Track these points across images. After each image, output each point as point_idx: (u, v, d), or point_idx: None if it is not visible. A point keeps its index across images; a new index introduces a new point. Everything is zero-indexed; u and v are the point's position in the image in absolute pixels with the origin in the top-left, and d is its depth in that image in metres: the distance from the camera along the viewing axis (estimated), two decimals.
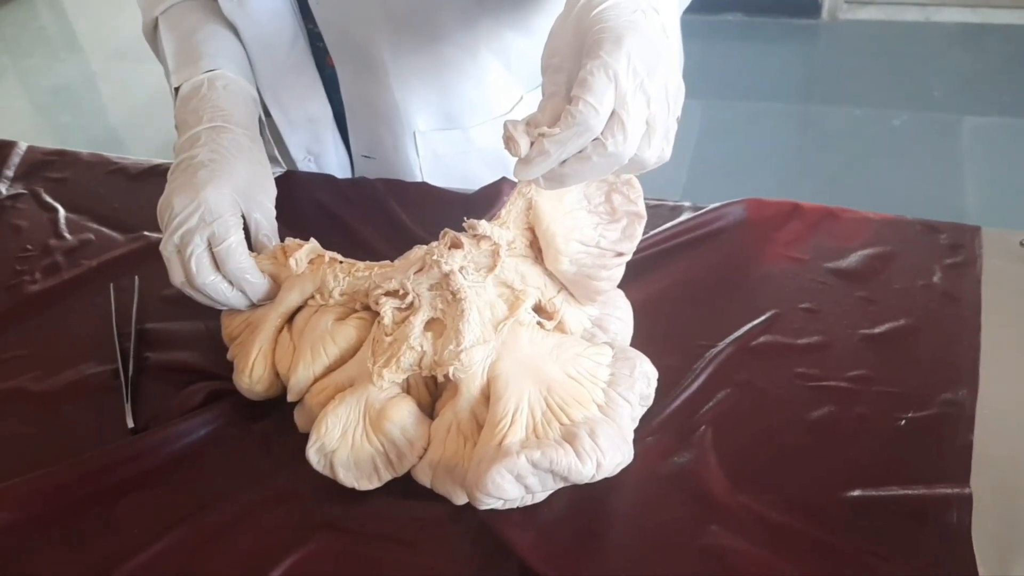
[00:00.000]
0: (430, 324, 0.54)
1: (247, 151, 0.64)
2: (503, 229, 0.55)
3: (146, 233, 0.78)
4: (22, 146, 0.92)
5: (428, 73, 0.79)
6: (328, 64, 0.80)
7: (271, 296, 0.61)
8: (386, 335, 0.54)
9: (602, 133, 0.44)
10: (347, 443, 0.52)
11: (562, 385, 0.51)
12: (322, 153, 0.86)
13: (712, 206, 0.71)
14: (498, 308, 0.54)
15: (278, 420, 0.59)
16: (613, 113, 0.44)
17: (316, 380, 0.56)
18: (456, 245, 0.55)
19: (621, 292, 0.60)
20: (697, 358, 0.59)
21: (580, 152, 0.45)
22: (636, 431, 0.53)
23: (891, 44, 2.60)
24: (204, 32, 0.73)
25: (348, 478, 0.52)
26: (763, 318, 0.62)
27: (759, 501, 0.50)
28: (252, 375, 0.58)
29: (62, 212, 0.82)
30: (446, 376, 0.52)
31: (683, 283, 0.66)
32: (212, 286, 0.59)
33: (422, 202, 0.77)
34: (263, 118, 0.74)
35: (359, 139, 0.85)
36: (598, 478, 0.49)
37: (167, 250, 0.59)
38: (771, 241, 0.68)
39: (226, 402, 0.60)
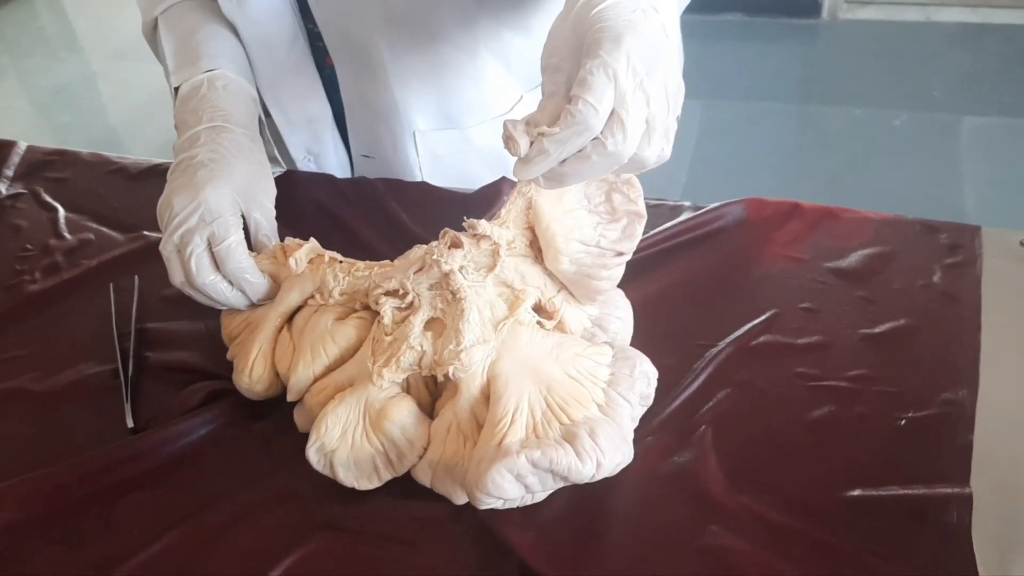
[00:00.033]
0: (430, 324, 0.54)
1: (247, 151, 0.64)
2: (503, 229, 0.55)
3: (146, 233, 0.78)
4: (22, 146, 0.92)
5: (427, 73, 0.79)
6: (328, 64, 0.80)
7: (271, 296, 0.61)
8: (386, 335, 0.54)
9: (602, 132, 0.44)
10: (347, 443, 0.52)
11: (562, 385, 0.51)
12: (322, 153, 0.86)
13: (712, 206, 0.71)
14: (498, 308, 0.54)
15: (278, 420, 0.59)
16: (613, 112, 0.44)
17: (316, 380, 0.56)
18: (456, 245, 0.55)
19: (621, 292, 0.60)
20: (697, 358, 0.59)
21: (580, 151, 0.45)
22: (636, 431, 0.53)
23: (891, 44, 2.60)
24: (204, 32, 0.73)
25: (348, 478, 0.52)
26: (763, 318, 0.62)
27: (759, 501, 0.50)
28: (252, 375, 0.58)
29: (62, 212, 0.82)
30: (446, 376, 0.52)
31: (683, 283, 0.66)
32: (212, 286, 0.59)
33: (422, 202, 0.77)
34: (263, 118, 0.74)
35: (359, 139, 0.85)
36: (598, 478, 0.49)
37: (167, 250, 0.59)
38: (771, 241, 0.68)
39: (226, 402, 0.60)
